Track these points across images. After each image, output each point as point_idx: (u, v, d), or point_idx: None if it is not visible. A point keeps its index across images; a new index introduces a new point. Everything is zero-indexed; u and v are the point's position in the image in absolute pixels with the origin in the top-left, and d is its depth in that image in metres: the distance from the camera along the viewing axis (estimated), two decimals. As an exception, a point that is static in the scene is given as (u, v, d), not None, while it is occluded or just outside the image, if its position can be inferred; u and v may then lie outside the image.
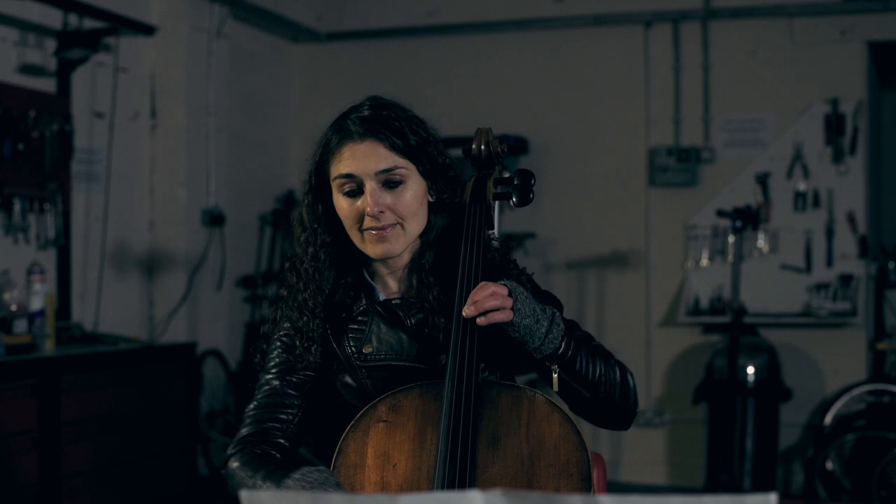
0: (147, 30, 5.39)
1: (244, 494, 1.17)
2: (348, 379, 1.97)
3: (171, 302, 5.52)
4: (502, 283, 1.79)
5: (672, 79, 6.11)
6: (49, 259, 4.90)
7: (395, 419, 1.78)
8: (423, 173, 1.94)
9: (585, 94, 6.24)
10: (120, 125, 5.32)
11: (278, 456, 1.92)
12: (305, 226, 2.00)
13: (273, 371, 2.01)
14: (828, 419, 5.54)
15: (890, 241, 6.11)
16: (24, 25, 4.78)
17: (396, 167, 1.91)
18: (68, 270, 5.05)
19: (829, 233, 5.86)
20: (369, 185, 1.90)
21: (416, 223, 1.94)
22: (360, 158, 1.90)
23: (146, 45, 5.53)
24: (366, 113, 1.94)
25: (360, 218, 1.91)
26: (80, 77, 5.05)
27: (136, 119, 5.52)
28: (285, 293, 2.02)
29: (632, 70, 6.16)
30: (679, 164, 5.99)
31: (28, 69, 4.81)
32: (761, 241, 5.94)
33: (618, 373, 1.90)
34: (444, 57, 6.48)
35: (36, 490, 4.04)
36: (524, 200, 1.92)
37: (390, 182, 1.91)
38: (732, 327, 5.05)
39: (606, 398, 1.88)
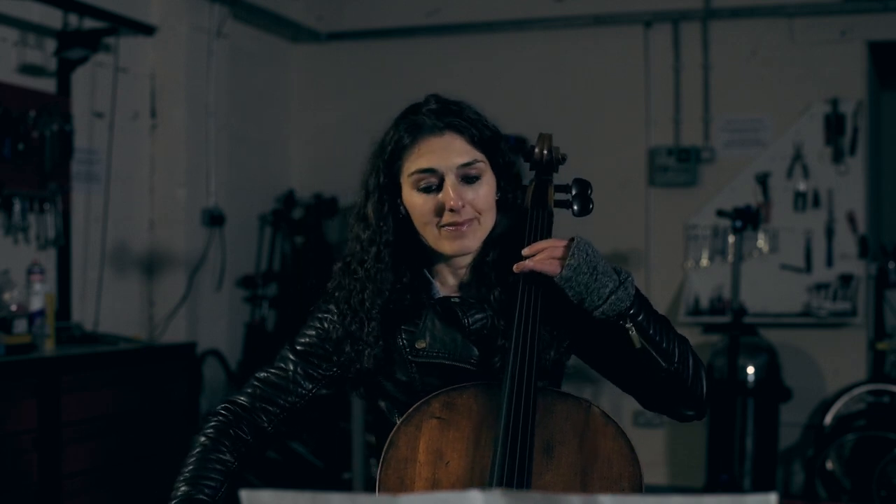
0: (147, 30, 5.39)
1: (244, 494, 1.20)
2: (399, 374, 1.93)
3: (171, 302, 5.52)
4: (574, 237, 1.78)
5: (672, 79, 6.11)
6: (49, 259, 4.89)
7: (448, 417, 1.75)
8: (495, 167, 1.92)
9: (585, 94, 6.23)
10: (120, 125, 5.32)
11: (249, 440, 1.93)
12: (370, 224, 1.93)
13: (298, 349, 1.99)
14: (828, 419, 5.54)
15: (890, 241, 6.10)
16: (24, 25, 4.78)
17: (476, 161, 1.88)
18: (68, 270, 5.04)
19: (829, 233, 5.85)
20: (450, 179, 1.86)
21: (491, 218, 1.91)
22: (441, 152, 1.87)
23: (146, 45, 5.53)
24: (434, 106, 1.91)
25: (438, 213, 1.86)
26: (80, 77, 5.05)
27: (136, 119, 5.52)
28: (336, 291, 1.97)
29: (632, 70, 6.16)
30: (679, 164, 5.99)
31: (28, 69, 4.80)
32: (761, 241, 5.94)
33: (690, 352, 1.90)
34: (444, 57, 6.47)
35: (36, 490, 4.04)
36: (584, 210, 1.90)
37: (468, 176, 1.87)
38: (732, 327, 5.05)
39: (680, 373, 1.87)
